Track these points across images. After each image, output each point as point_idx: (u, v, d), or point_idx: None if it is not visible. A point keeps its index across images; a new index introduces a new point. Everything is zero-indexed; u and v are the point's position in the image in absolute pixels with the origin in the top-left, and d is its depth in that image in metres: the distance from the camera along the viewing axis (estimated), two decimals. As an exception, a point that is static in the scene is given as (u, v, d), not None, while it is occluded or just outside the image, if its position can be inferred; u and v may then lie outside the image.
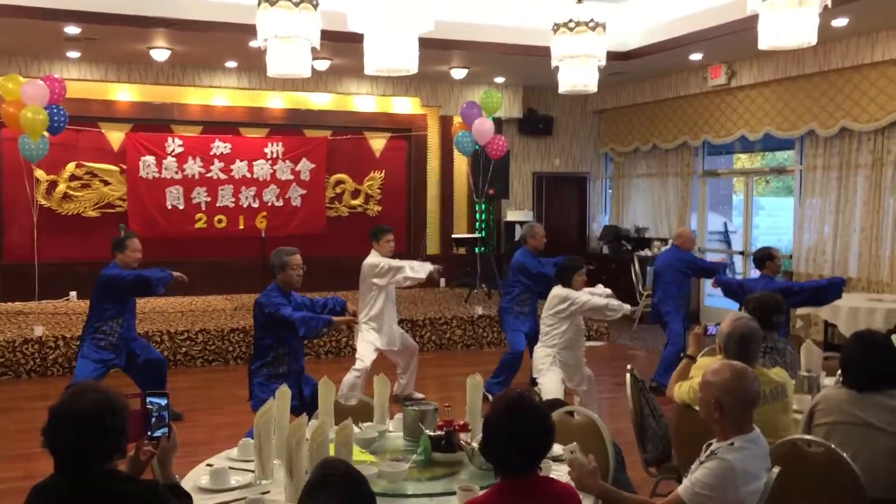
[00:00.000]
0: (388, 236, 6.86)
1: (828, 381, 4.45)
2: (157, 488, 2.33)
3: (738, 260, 10.99)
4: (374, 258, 6.80)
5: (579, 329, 5.95)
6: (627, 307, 5.87)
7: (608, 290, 6.19)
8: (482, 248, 11.50)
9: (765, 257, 6.65)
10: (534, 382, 6.10)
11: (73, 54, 9.75)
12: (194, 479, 3.03)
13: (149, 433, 2.66)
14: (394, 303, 6.97)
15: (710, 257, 11.77)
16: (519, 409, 2.54)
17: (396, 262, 6.78)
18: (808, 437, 3.36)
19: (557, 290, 5.91)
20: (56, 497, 2.24)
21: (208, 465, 3.20)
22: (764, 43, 4.53)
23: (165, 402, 2.70)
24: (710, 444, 2.97)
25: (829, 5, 4.43)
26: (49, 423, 2.25)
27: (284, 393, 3.38)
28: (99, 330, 6.12)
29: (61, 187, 10.48)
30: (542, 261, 7.28)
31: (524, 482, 2.51)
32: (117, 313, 6.14)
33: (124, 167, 10.73)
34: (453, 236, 12.05)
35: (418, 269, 6.81)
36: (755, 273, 6.86)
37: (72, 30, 8.43)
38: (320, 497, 2.05)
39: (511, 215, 12.30)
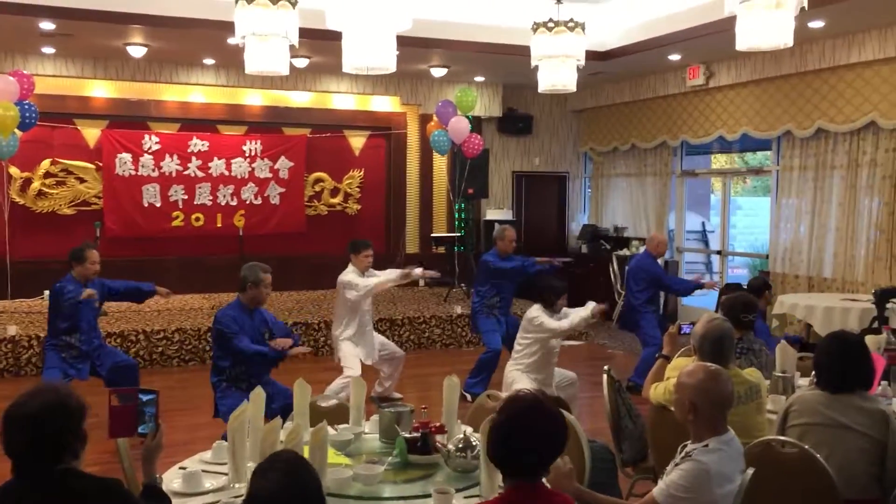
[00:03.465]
0: (368, 251, 6.74)
1: (803, 382, 4.49)
2: (118, 484, 2.30)
3: (714, 259, 11.05)
4: (351, 276, 6.69)
5: (551, 353, 5.89)
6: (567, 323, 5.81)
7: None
8: (461, 247, 11.49)
9: (763, 287, 6.42)
10: None
11: (48, 50, 9.62)
12: (167, 482, 2.99)
13: (139, 429, 2.65)
14: (371, 316, 6.91)
15: (688, 257, 11.86)
16: (538, 408, 2.49)
17: (371, 282, 6.68)
18: (782, 437, 3.38)
19: (534, 313, 5.84)
20: (13, 499, 2.21)
21: (181, 468, 3.17)
22: (741, 44, 4.56)
23: (148, 398, 2.67)
24: (685, 445, 2.98)
25: (806, 7, 4.47)
26: (3, 426, 2.22)
27: (259, 395, 3.36)
28: (58, 345, 5.96)
29: (36, 184, 10.35)
30: (512, 257, 7.26)
31: (534, 490, 2.44)
32: (71, 328, 5.93)
33: (100, 164, 10.62)
34: (433, 235, 12.04)
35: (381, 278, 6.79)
36: None
37: (46, 25, 8.32)
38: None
39: (490, 214, 12.30)
